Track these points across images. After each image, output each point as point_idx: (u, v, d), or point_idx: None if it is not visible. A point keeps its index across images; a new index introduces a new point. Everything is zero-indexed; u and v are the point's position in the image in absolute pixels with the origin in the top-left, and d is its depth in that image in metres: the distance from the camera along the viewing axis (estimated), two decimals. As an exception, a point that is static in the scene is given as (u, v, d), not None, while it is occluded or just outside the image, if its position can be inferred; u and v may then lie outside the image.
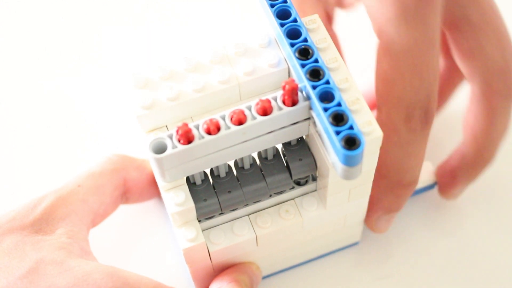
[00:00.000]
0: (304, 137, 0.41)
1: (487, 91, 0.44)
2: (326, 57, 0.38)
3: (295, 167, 0.40)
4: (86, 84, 0.57)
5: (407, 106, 0.40)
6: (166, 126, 0.40)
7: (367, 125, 0.37)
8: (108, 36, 0.59)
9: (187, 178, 0.41)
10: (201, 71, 0.40)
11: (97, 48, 0.59)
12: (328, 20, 0.47)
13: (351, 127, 0.35)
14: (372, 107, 0.51)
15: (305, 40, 0.38)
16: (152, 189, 0.47)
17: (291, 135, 0.39)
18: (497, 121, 0.45)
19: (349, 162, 0.35)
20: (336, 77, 0.38)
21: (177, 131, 0.36)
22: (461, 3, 0.42)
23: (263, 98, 0.37)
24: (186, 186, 0.40)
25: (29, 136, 0.55)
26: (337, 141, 0.35)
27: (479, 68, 0.43)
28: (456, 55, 0.44)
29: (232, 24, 0.60)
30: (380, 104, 0.41)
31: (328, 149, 0.37)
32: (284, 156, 0.41)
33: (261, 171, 0.41)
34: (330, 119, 0.35)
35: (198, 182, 0.40)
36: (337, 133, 0.35)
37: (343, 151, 0.34)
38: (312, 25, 0.39)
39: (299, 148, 0.41)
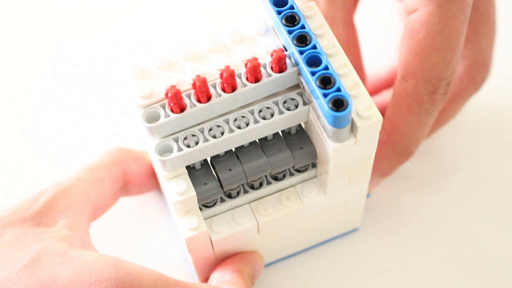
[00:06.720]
0: (303, 126, 0.41)
1: (465, 80, 0.45)
2: (324, 43, 0.38)
3: (297, 156, 0.40)
4: (83, 76, 0.57)
5: (436, 78, 0.41)
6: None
7: (366, 109, 0.37)
8: (104, 27, 0.59)
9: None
10: (199, 60, 0.40)
11: (93, 39, 0.59)
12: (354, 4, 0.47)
13: (338, 89, 0.36)
14: (372, 91, 0.51)
15: (303, 27, 0.38)
16: (152, 180, 0.47)
17: (291, 121, 0.39)
18: (451, 110, 0.46)
19: (337, 124, 0.36)
20: (334, 63, 0.38)
21: (166, 94, 0.37)
22: None
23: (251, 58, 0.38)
24: (187, 175, 0.40)
25: (27, 131, 0.54)
26: (325, 103, 0.36)
27: (468, 55, 0.45)
28: None
29: (228, 13, 0.60)
30: (407, 75, 0.42)
31: (317, 112, 0.37)
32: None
33: (262, 150, 0.41)
34: (318, 82, 0.36)
35: (198, 166, 0.40)
36: (325, 95, 0.36)
37: (331, 113, 0.35)
38: (309, 12, 0.39)
39: (299, 137, 0.41)
